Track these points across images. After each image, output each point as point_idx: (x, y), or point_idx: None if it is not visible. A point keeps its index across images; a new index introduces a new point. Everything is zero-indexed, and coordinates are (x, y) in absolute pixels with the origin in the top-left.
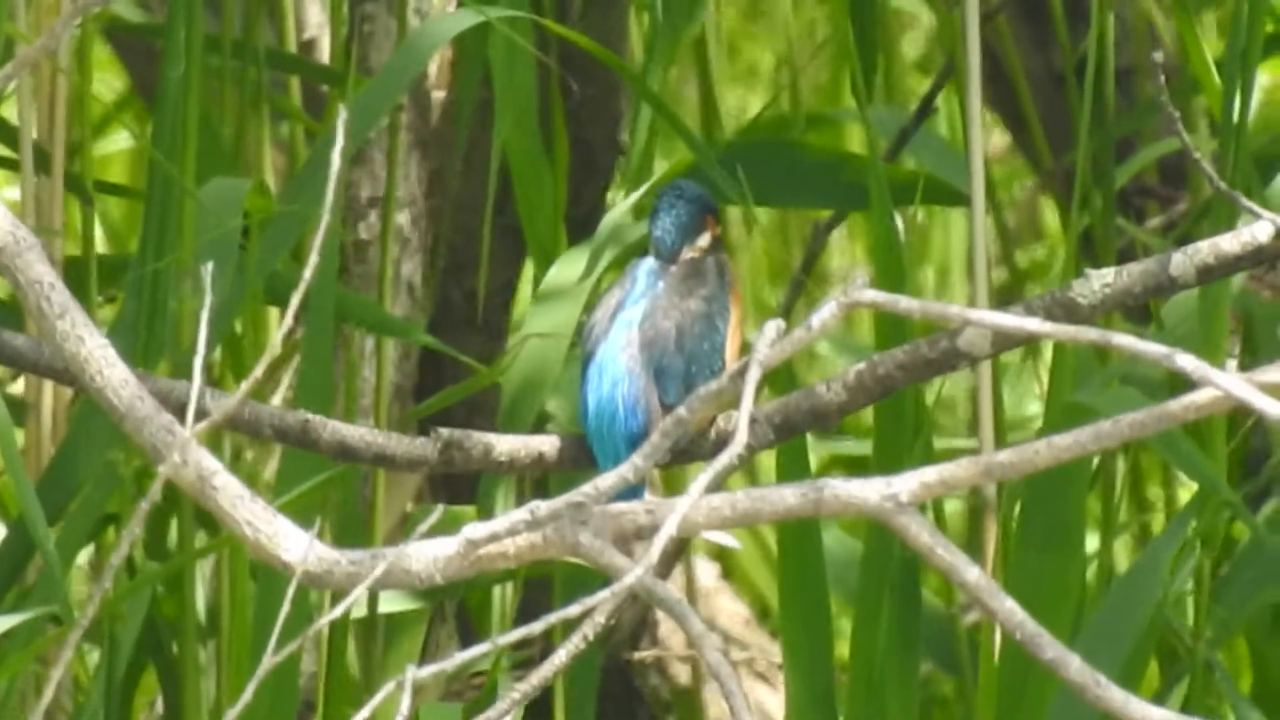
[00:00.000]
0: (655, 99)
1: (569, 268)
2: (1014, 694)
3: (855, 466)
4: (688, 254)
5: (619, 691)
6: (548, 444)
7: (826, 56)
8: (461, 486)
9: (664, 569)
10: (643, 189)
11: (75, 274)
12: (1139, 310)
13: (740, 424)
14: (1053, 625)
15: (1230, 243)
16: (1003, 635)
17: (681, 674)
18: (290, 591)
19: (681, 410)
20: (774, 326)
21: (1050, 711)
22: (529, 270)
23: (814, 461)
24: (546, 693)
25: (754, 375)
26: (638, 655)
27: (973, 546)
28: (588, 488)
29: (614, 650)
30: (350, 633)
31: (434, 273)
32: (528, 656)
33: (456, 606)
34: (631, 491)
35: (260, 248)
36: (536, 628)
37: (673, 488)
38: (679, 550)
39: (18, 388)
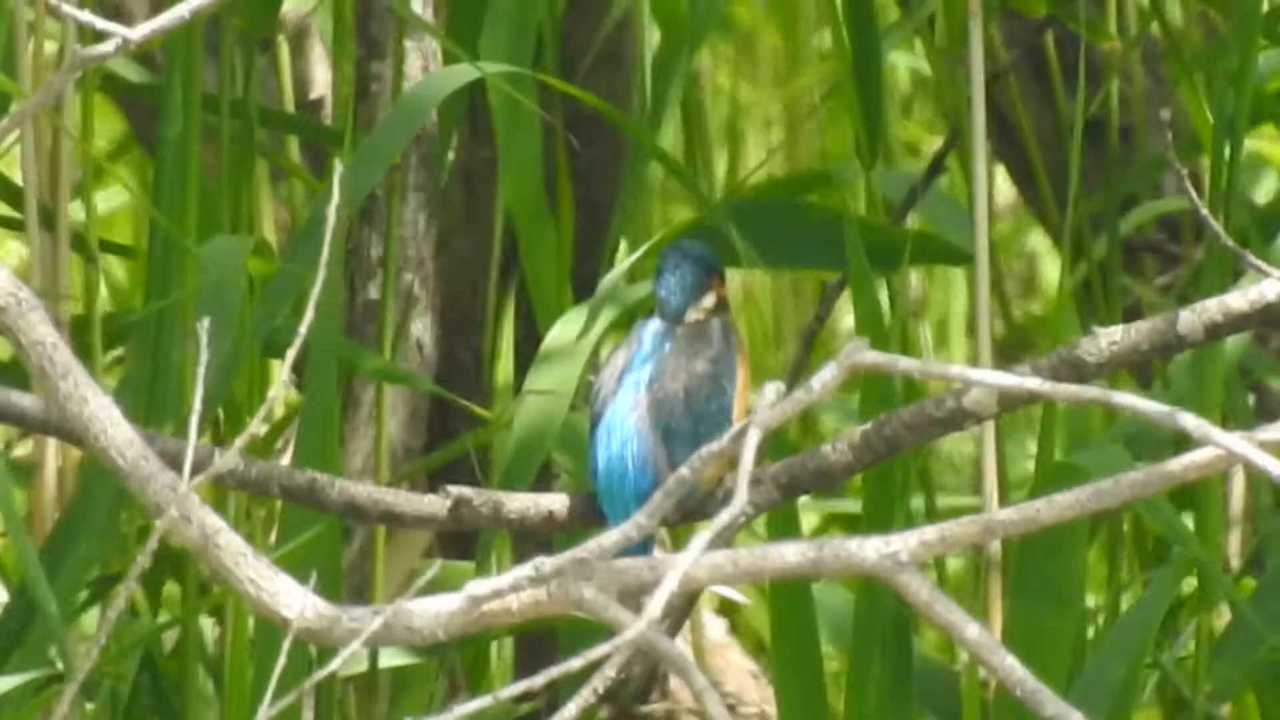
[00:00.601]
0: (663, 155)
1: (569, 327)
2: None
3: (851, 525)
4: (693, 314)
5: None
6: (558, 502)
7: (821, 114)
8: (472, 544)
9: (674, 625)
10: (641, 250)
11: (80, 333)
12: (1144, 369)
13: (740, 483)
14: (1048, 679)
15: (1239, 301)
16: (997, 692)
17: None
18: (286, 647)
19: (684, 470)
20: (774, 388)
21: None
22: (508, 330)
23: (814, 519)
24: None
25: (754, 436)
26: (646, 709)
27: (977, 603)
28: (592, 544)
29: (623, 703)
30: (352, 689)
31: (444, 333)
32: (532, 709)
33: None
34: (640, 549)
35: (260, 306)
36: (538, 681)
37: (681, 547)
38: (688, 606)
39: (25, 449)
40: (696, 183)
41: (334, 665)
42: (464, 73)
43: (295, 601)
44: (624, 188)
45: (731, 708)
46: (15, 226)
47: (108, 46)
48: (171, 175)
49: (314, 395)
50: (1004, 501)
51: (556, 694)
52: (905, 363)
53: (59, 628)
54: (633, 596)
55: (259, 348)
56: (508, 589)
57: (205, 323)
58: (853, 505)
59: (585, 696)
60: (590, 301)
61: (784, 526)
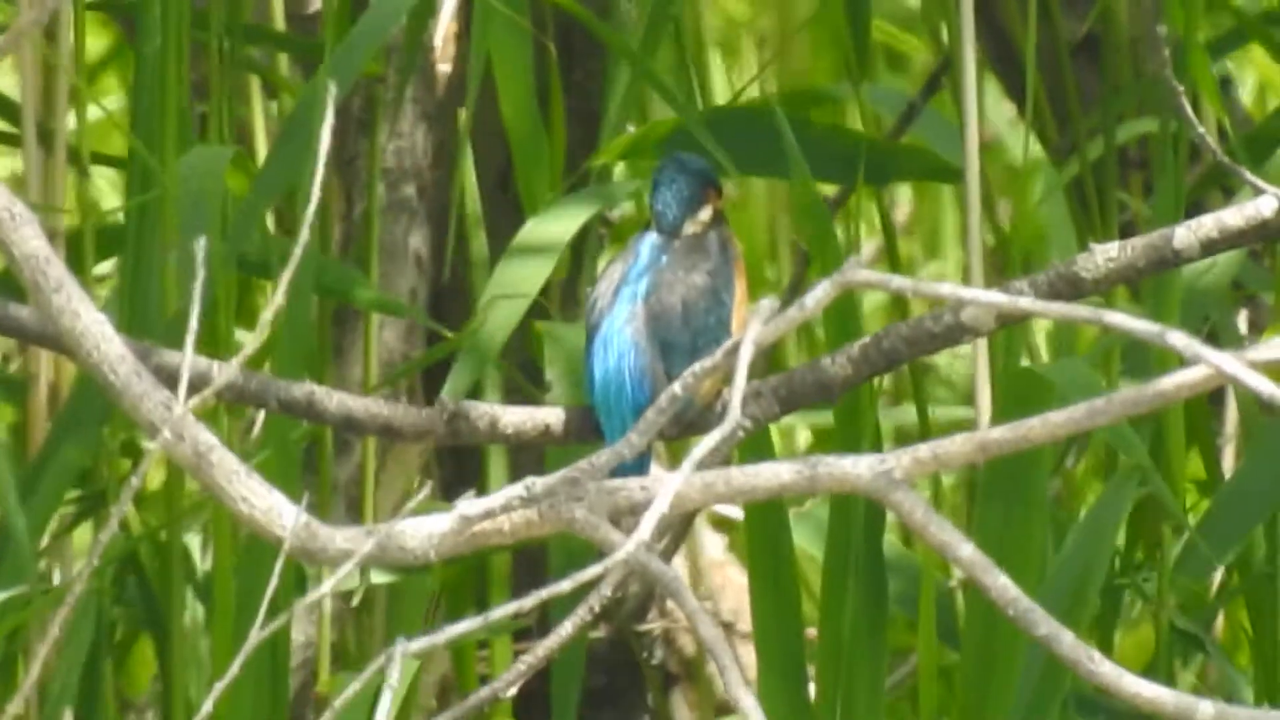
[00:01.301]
0: (644, 66)
1: (547, 224)
2: (984, 664)
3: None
4: (690, 228)
5: (625, 664)
6: (554, 416)
7: (809, 33)
8: (466, 460)
9: (673, 544)
10: (620, 147)
11: (74, 245)
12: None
13: (733, 400)
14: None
15: (1234, 217)
16: (967, 603)
17: (688, 646)
18: (279, 565)
19: (676, 386)
20: (768, 304)
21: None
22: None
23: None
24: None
25: (747, 351)
26: (644, 627)
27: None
28: (584, 463)
29: (620, 623)
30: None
31: (440, 243)
32: (525, 625)
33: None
34: (637, 465)
35: (239, 214)
36: (527, 603)
37: (678, 462)
38: (687, 525)
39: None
40: (679, 99)
41: (328, 586)
42: None
43: (289, 520)
44: (610, 101)
45: (729, 625)
46: (11, 141)
47: None
48: (150, 91)
49: (294, 308)
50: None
51: (549, 614)
52: (897, 281)
53: (25, 549)
54: (625, 516)
55: (235, 257)
56: (499, 509)
57: (202, 242)
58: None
59: (580, 616)
60: (568, 199)
61: (758, 449)
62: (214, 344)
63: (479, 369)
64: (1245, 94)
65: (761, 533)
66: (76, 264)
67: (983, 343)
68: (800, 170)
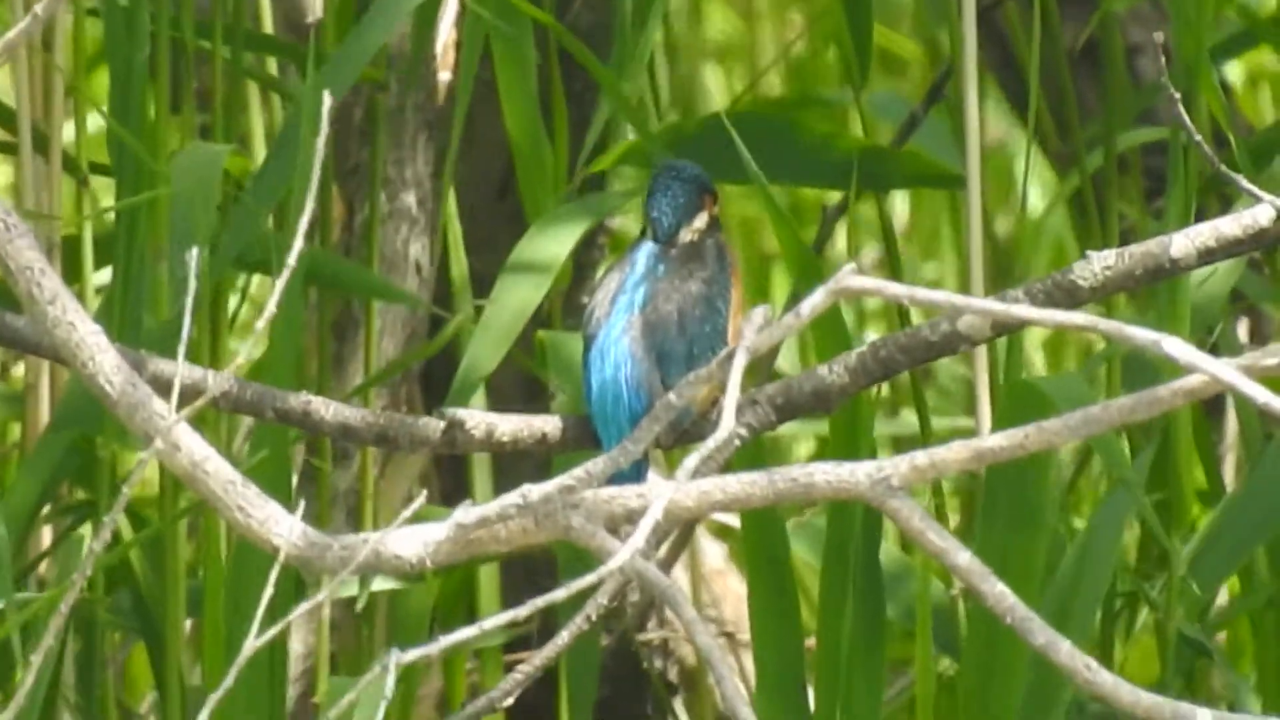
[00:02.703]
0: (624, 102)
1: (544, 239)
2: (985, 675)
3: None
4: (686, 235)
5: (626, 673)
6: (551, 425)
7: (804, 45)
8: (465, 468)
9: (673, 553)
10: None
11: (73, 253)
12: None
13: (727, 409)
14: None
15: (1231, 225)
16: (968, 613)
17: (689, 655)
18: (274, 575)
19: (671, 395)
20: (762, 312)
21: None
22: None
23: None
24: (549, 674)
25: (741, 360)
26: (644, 636)
27: (972, 528)
28: (579, 472)
29: (621, 632)
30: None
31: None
32: (526, 632)
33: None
34: (634, 473)
35: (235, 216)
36: (522, 612)
37: (676, 469)
38: (687, 534)
39: (18, 372)
40: (642, 122)
41: (324, 594)
42: None
43: (285, 529)
44: (597, 121)
45: (729, 635)
46: (7, 149)
47: None
48: (138, 96)
49: (285, 306)
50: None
51: (546, 620)
52: (893, 288)
53: (4, 558)
54: (622, 524)
55: (231, 259)
56: (495, 517)
57: (195, 253)
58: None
59: (578, 623)
60: (564, 211)
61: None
62: (212, 348)
63: (481, 379)
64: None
65: (759, 542)
66: (75, 272)
67: (982, 351)
68: (758, 180)
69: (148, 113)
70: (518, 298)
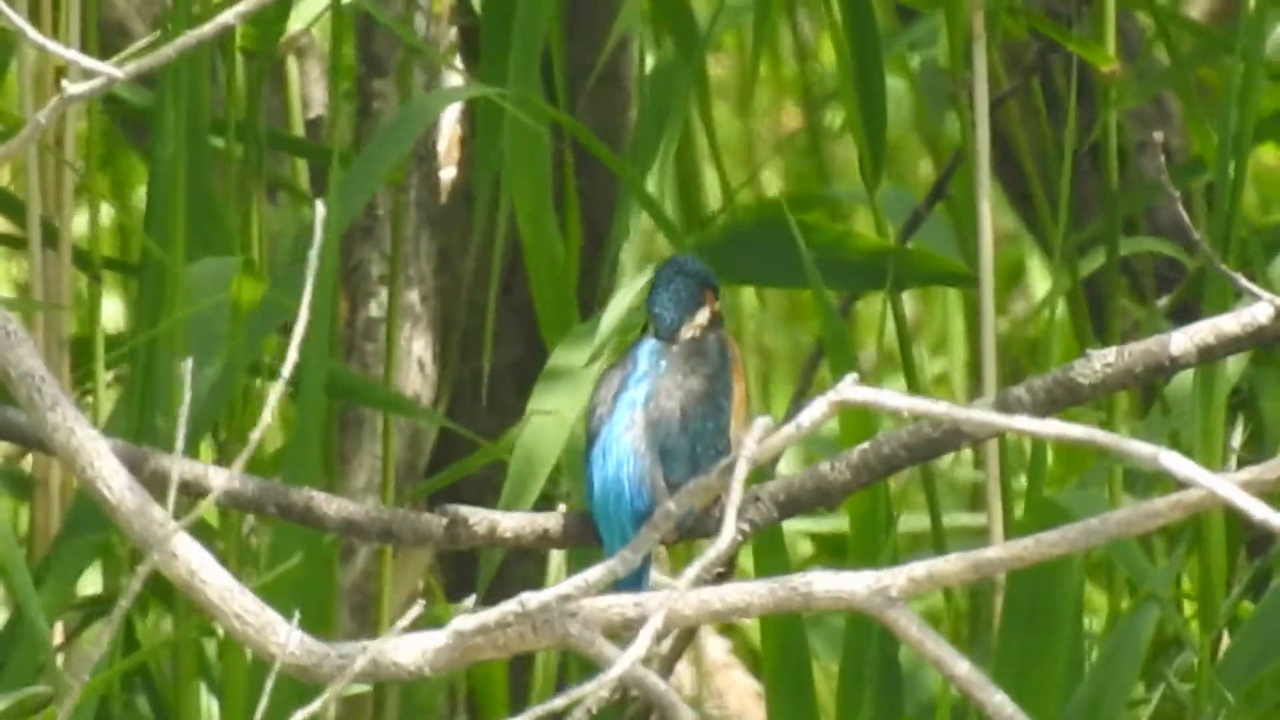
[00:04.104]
0: (646, 196)
1: (574, 349)
2: None
3: (829, 544)
4: (687, 331)
5: None
6: (553, 521)
7: (804, 140)
8: (472, 563)
9: (676, 649)
10: (646, 275)
11: (82, 352)
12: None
13: (727, 519)
14: (1040, 707)
15: (1230, 323)
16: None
17: None
18: (270, 684)
19: (670, 504)
20: (763, 423)
21: None
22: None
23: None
24: None
25: (741, 470)
26: None
27: (978, 626)
28: (578, 580)
29: None
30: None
31: (446, 351)
32: None
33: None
34: (638, 574)
35: (249, 324)
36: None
37: (679, 568)
38: (691, 631)
39: (28, 463)
40: (670, 222)
41: (318, 703)
42: (461, 90)
43: (283, 636)
44: (617, 218)
45: None
46: (16, 244)
47: (95, 84)
48: (164, 197)
49: (304, 418)
50: (1008, 519)
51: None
52: (893, 400)
53: (45, 642)
54: (620, 631)
55: (246, 369)
56: (494, 625)
57: (189, 364)
58: (826, 524)
59: None
60: (595, 319)
61: (772, 553)
62: (237, 445)
63: (533, 485)
64: None
65: (778, 642)
66: (86, 373)
67: (991, 446)
68: (815, 281)
69: (173, 214)
70: (547, 434)
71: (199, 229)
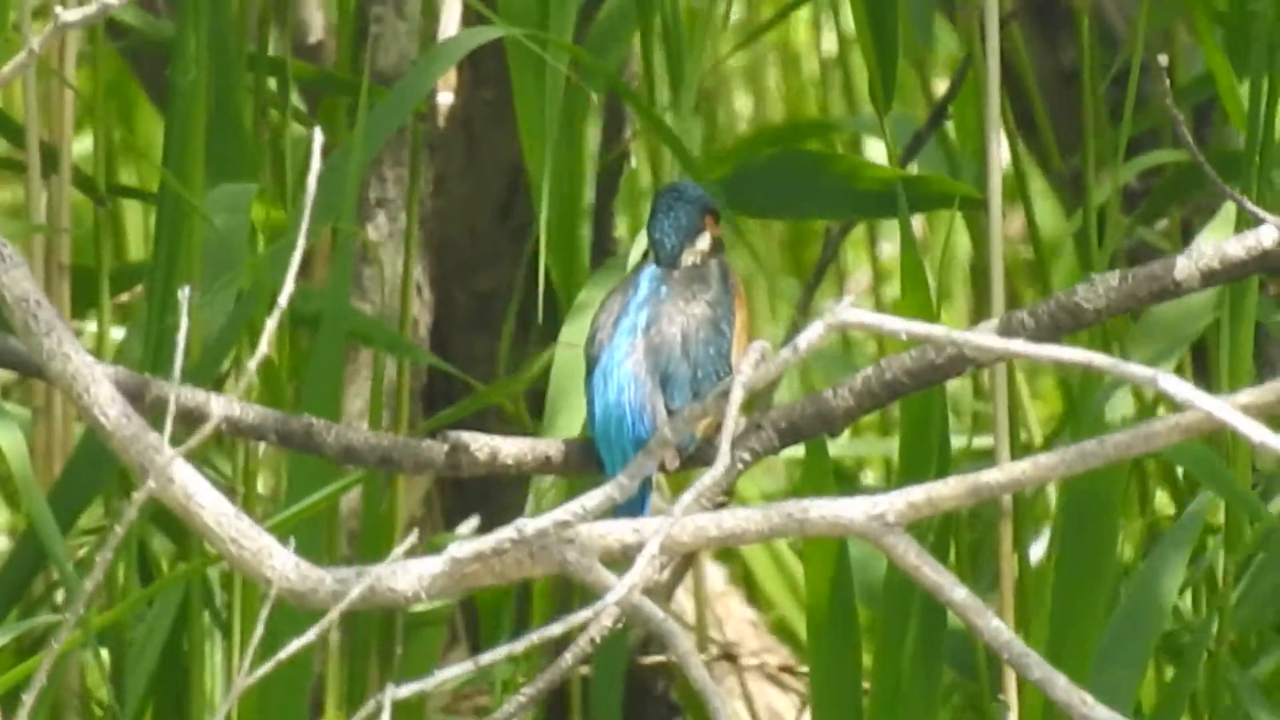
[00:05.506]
0: (658, 121)
1: (604, 283)
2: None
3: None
4: (688, 257)
5: (630, 696)
6: (554, 448)
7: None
8: (470, 490)
9: (675, 578)
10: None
11: (88, 279)
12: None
13: (723, 444)
14: (1082, 647)
15: (1235, 247)
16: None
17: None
18: (267, 609)
19: (666, 430)
20: (759, 347)
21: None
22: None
23: None
24: (562, 699)
25: (737, 396)
26: (648, 660)
27: (984, 553)
28: (574, 505)
29: (627, 656)
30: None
31: (440, 273)
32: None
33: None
34: (638, 500)
35: (268, 261)
36: (518, 647)
37: (680, 493)
38: (689, 559)
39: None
40: (685, 150)
41: (315, 630)
42: (483, 32)
43: (280, 562)
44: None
45: (731, 657)
46: (18, 168)
47: (90, 10)
48: (184, 123)
49: (321, 358)
50: (1015, 441)
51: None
52: (890, 323)
53: (65, 569)
54: (618, 558)
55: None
56: (490, 551)
57: (185, 291)
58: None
59: (582, 647)
60: (621, 257)
61: (816, 469)
62: (266, 383)
63: (575, 414)
64: None
65: (822, 575)
66: (92, 297)
67: (999, 369)
68: (905, 222)
69: (195, 144)
70: (576, 366)
71: (221, 156)
